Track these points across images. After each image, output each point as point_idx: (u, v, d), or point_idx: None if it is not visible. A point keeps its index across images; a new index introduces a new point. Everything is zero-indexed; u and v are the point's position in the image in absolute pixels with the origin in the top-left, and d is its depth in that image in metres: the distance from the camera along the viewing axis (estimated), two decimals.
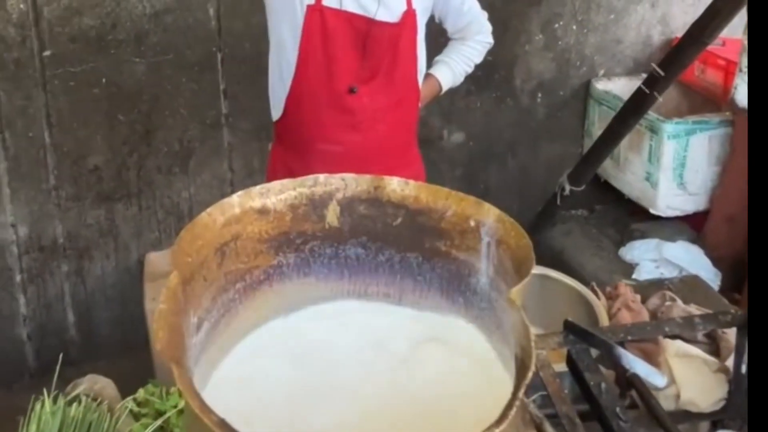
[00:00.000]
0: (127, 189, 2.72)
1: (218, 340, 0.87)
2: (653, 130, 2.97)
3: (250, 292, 0.90)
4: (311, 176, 0.92)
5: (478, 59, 2.11)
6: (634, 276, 2.92)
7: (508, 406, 0.62)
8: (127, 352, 2.60)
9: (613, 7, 3.16)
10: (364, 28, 1.77)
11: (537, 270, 1.80)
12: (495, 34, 2.78)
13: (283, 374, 0.88)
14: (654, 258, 3.03)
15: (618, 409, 1.10)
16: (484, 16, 2.06)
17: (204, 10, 2.58)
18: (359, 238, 0.94)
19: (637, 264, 3.02)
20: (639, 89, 2.61)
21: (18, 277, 2.71)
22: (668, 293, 1.77)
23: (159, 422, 1.25)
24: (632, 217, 3.25)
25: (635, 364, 1.15)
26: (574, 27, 3.13)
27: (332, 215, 0.92)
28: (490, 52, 3.01)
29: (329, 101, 1.82)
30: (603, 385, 1.14)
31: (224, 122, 2.75)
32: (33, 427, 1.21)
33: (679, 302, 1.69)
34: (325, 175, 0.92)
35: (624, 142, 3.08)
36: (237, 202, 0.87)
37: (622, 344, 1.23)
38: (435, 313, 0.97)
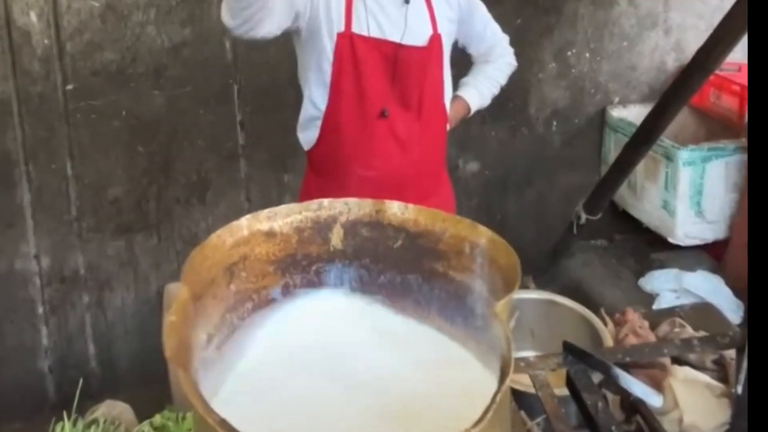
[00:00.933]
0: (146, 220, 2.77)
1: (227, 356, 0.90)
2: (669, 158, 2.97)
3: (258, 311, 0.94)
4: (316, 200, 0.97)
5: (504, 81, 2.15)
6: (654, 306, 2.88)
7: (487, 409, 0.64)
8: (146, 384, 2.58)
9: (626, 34, 3.18)
10: (392, 53, 1.81)
11: (544, 295, 1.83)
12: None
13: (285, 390, 0.91)
14: (674, 288, 3.00)
15: (614, 428, 1.10)
16: (506, 39, 2.11)
17: (220, 43, 2.65)
18: (362, 260, 0.98)
19: (657, 294, 2.99)
20: (648, 116, 2.61)
21: (40, 309, 2.75)
22: (678, 320, 1.76)
23: None
24: (651, 247, 3.23)
25: (632, 384, 1.16)
26: (587, 54, 3.15)
27: (336, 238, 0.97)
28: None
29: (362, 126, 1.86)
30: (600, 404, 1.14)
31: (241, 153, 2.80)
32: None
33: (689, 329, 1.67)
34: (329, 200, 0.97)
35: (640, 170, 3.07)
36: (245, 224, 0.92)
37: (621, 366, 1.24)
38: (434, 330, 0.99)
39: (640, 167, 3.04)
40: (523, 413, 1.26)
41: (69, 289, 2.77)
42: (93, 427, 1.30)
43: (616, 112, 3.24)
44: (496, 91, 2.15)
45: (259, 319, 0.93)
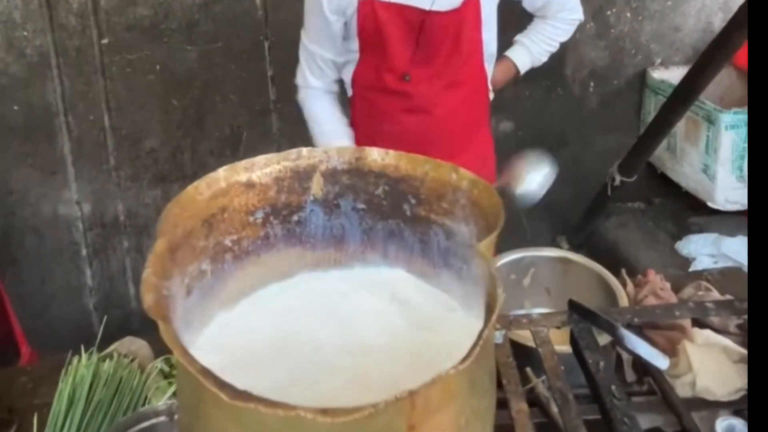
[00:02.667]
0: (182, 170, 2.85)
1: (209, 307, 0.91)
2: (710, 120, 2.87)
3: (239, 262, 0.93)
4: (294, 150, 0.96)
5: (564, 38, 2.04)
6: (690, 270, 2.83)
7: (474, 346, 0.64)
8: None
9: None
10: (416, 20, 1.78)
11: (559, 253, 1.81)
12: None
13: (267, 338, 0.91)
14: (712, 253, 2.92)
15: (614, 388, 1.08)
16: None
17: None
18: (343, 208, 0.97)
19: (693, 258, 2.92)
20: (687, 76, 2.52)
21: (84, 251, 2.89)
22: (704, 283, 1.70)
23: None
24: (690, 211, 3.15)
25: (638, 345, 1.13)
26: (628, 14, 3.05)
27: (317, 186, 0.95)
28: None
29: (387, 87, 1.87)
30: (602, 364, 1.12)
31: (272, 108, 2.83)
32: (70, 379, 1.30)
33: (715, 293, 1.63)
34: (308, 149, 0.96)
35: (680, 133, 2.98)
36: (223, 176, 0.90)
37: (630, 327, 1.21)
38: (418, 274, 0.99)
39: (680, 130, 2.95)
40: (529, 370, 1.24)
41: (109, 234, 2.89)
42: (107, 361, 1.35)
43: (658, 74, 3.14)
44: (553, 49, 2.06)
45: (239, 270, 0.93)
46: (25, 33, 2.54)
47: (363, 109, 1.96)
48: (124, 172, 2.81)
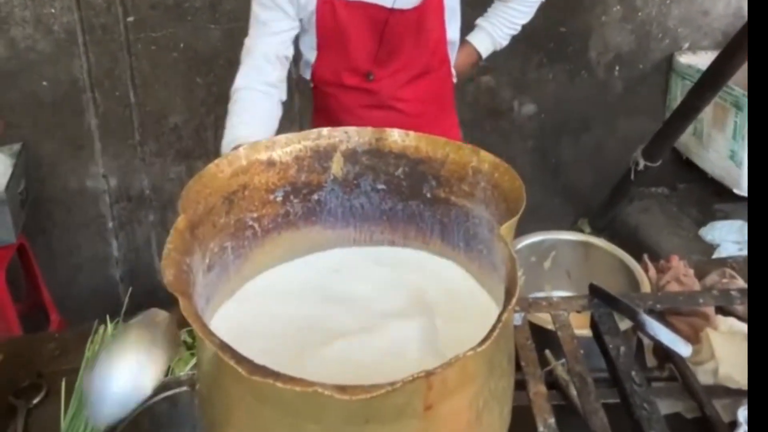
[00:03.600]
0: (205, 147, 2.87)
1: (229, 283, 0.92)
2: (738, 106, 2.83)
3: (259, 240, 0.94)
4: (315, 129, 0.95)
5: (524, 20, 1.98)
6: (714, 257, 2.80)
7: (492, 328, 0.63)
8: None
9: None
10: (381, 17, 1.72)
11: (581, 237, 1.80)
12: (567, 4, 2.71)
13: (285, 313, 0.91)
14: (737, 240, 2.89)
15: (633, 373, 1.08)
16: None
17: None
18: (363, 188, 0.97)
19: (718, 245, 2.89)
20: (716, 61, 2.49)
21: (110, 224, 2.94)
22: (729, 270, 1.67)
23: None
24: (716, 197, 3.12)
25: (659, 331, 1.12)
26: None
27: (336, 166, 0.95)
28: (561, 23, 2.96)
29: (349, 85, 1.82)
30: (622, 348, 1.13)
31: (294, 87, 2.83)
32: (96, 347, 1.34)
33: (740, 281, 1.59)
34: (328, 129, 0.95)
35: (707, 118, 2.95)
36: (243, 154, 0.90)
37: (651, 312, 1.20)
38: (437, 256, 0.99)
39: (707, 115, 2.91)
40: (548, 352, 1.23)
41: (135, 207, 2.94)
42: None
43: (685, 59, 3.10)
44: (514, 32, 2.00)
45: (259, 247, 0.93)
46: (53, 10, 2.56)
47: (324, 102, 1.92)
48: (148, 148, 2.85)
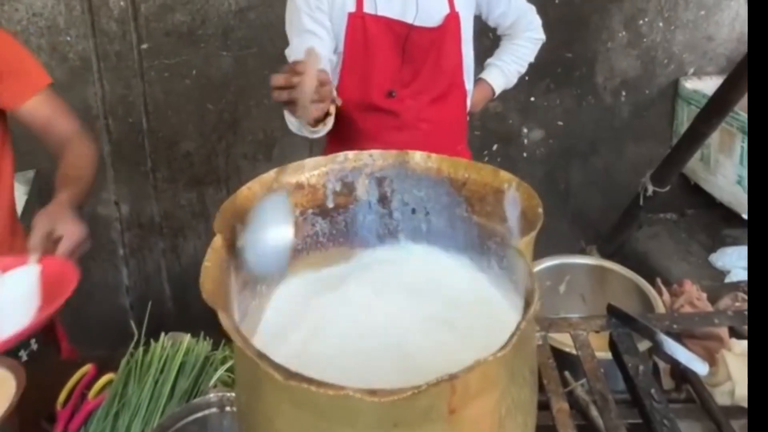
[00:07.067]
0: (216, 174, 2.89)
1: (262, 300, 0.93)
2: (745, 131, 2.84)
3: (289, 259, 0.96)
4: (341, 153, 0.98)
5: (531, 58, 2.08)
6: (726, 282, 2.80)
7: (511, 336, 0.65)
8: (218, 328, 2.74)
9: (704, 3, 3.06)
10: (403, 33, 1.78)
11: (595, 261, 1.81)
12: (573, 30, 2.75)
13: (314, 322, 0.93)
14: (747, 266, 2.89)
15: (653, 391, 1.09)
16: (531, 10, 2.02)
17: (284, 6, 2.67)
18: (388, 209, 1.00)
19: (728, 271, 2.90)
20: (722, 87, 2.51)
21: (121, 251, 2.95)
22: (741, 294, 1.69)
23: None
24: (724, 223, 3.13)
25: (677, 351, 1.14)
26: (661, 24, 3.05)
27: (362, 188, 0.99)
28: (568, 49, 3.00)
29: (372, 104, 1.86)
30: (641, 368, 1.14)
31: None
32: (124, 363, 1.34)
33: None
34: (354, 152, 0.98)
35: (714, 144, 2.96)
36: (274, 177, 0.94)
37: (668, 334, 1.21)
38: (463, 269, 1.01)
39: (714, 141, 2.93)
40: (567, 373, 1.25)
41: (146, 234, 2.95)
42: (162, 347, 1.36)
43: (690, 84, 3.14)
44: (522, 69, 2.10)
45: (289, 267, 0.95)
46: (68, 38, 2.60)
47: (340, 127, 1.90)
48: (160, 174, 2.87)
